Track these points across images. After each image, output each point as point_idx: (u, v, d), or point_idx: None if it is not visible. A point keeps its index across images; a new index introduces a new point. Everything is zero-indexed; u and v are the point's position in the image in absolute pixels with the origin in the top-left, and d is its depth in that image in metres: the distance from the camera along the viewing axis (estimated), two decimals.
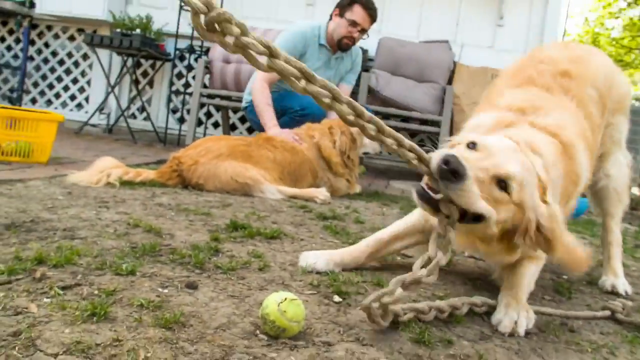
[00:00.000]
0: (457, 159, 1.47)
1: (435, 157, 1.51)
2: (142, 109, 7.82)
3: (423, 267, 1.56)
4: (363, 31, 4.84)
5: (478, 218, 1.59)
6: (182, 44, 7.29)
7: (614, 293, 2.38)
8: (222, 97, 6.37)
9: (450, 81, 6.44)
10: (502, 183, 1.59)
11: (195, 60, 7.43)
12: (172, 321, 1.38)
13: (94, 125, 7.58)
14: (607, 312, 1.98)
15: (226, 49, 1.25)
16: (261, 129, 4.83)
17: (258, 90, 4.62)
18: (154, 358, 1.20)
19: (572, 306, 2.10)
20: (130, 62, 7.31)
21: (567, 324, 1.85)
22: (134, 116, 7.93)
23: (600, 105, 2.28)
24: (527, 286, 1.91)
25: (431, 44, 6.71)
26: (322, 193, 3.86)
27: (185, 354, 1.24)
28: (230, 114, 7.42)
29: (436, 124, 6.10)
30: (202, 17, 1.19)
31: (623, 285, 2.44)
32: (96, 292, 1.54)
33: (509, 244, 1.73)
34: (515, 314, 1.72)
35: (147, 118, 7.55)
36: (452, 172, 1.45)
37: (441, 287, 2.06)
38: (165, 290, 1.63)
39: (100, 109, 7.55)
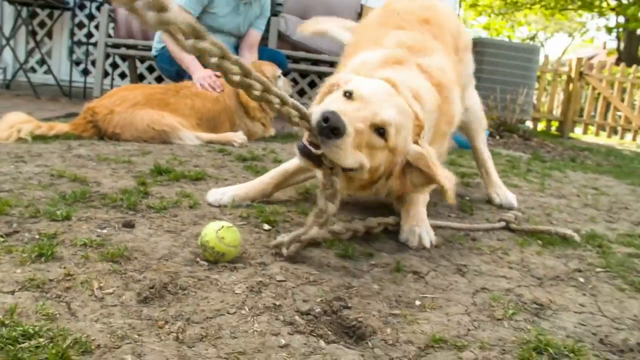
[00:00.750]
0: (337, 115, 1.50)
1: (315, 114, 1.53)
2: (42, 62, 7.42)
3: (317, 218, 1.63)
4: None
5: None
6: None
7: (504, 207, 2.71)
8: (129, 47, 6.18)
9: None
10: (381, 130, 1.64)
11: (97, 8, 7.12)
12: (117, 255, 1.48)
13: None
14: (503, 223, 2.27)
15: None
16: (173, 77, 4.78)
17: None
18: (107, 287, 1.31)
19: (474, 220, 2.38)
20: (25, 12, 6.88)
21: (470, 234, 2.11)
22: (33, 70, 7.53)
23: (455, 48, 2.53)
24: (423, 200, 2.08)
25: None
26: (239, 137, 3.95)
27: (135, 281, 1.36)
28: (138, 63, 7.22)
29: None
30: None
31: (511, 197, 2.78)
32: (37, 236, 1.60)
33: (385, 185, 1.82)
34: (418, 230, 1.91)
35: (49, 71, 7.20)
36: (332, 129, 1.48)
37: (352, 216, 2.26)
38: (104, 231, 1.72)
39: None
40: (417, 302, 1.41)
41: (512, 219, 2.29)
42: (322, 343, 1.16)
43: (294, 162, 2.28)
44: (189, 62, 4.38)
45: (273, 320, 1.23)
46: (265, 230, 1.89)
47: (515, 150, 6.09)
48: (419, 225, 1.96)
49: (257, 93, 1.37)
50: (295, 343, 1.14)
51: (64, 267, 1.39)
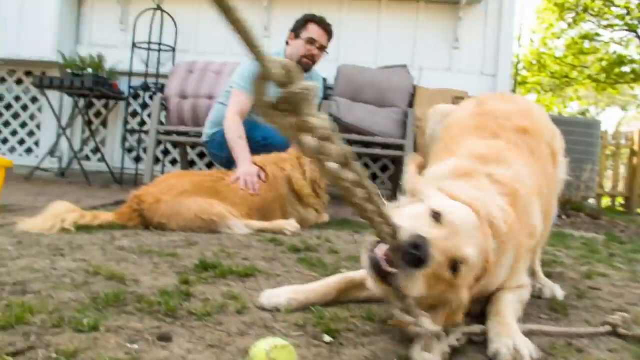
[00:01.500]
0: (428, 247, 1.42)
1: (404, 233, 1.43)
2: (96, 150, 7.53)
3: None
4: (322, 48, 4.72)
5: None
6: (136, 82, 7.10)
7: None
8: (180, 133, 6.19)
9: (410, 104, 6.43)
10: (455, 265, 1.54)
11: (150, 98, 7.24)
12: None
13: (45, 170, 7.23)
14: (608, 328, 1.88)
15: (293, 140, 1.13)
16: (224, 164, 4.64)
17: (231, 124, 4.38)
18: None
19: (571, 323, 1.99)
20: (82, 102, 7.06)
21: (572, 343, 1.73)
22: (87, 158, 7.64)
23: (552, 154, 2.41)
24: (514, 311, 1.80)
25: (390, 69, 6.71)
26: (291, 225, 3.70)
27: None
28: (188, 150, 7.22)
29: (399, 147, 6.06)
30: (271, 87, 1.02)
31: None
32: (54, 355, 1.34)
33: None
34: (511, 341, 1.57)
35: (102, 159, 7.27)
36: (417, 260, 1.40)
37: None
38: (135, 346, 1.44)
39: (51, 152, 7.24)
40: None
41: (620, 321, 1.90)
42: None
43: (362, 273, 2.00)
44: (240, 152, 4.22)
45: None
46: (327, 343, 1.56)
47: (586, 231, 5.61)
48: (510, 332, 1.62)
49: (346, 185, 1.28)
50: None
51: None
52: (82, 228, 3.27)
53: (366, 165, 7.23)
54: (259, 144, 4.41)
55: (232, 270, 2.33)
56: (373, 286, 1.59)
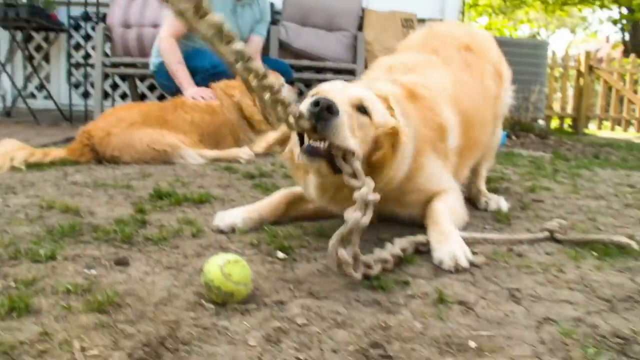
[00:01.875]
0: (323, 96, 1.56)
1: (304, 106, 1.56)
2: (41, 87, 7.22)
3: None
4: None
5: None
6: (76, 11, 6.76)
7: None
8: (127, 65, 6.00)
9: (360, 28, 6.35)
10: (362, 108, 1.71)
11: (92, 28, 6.91)
12: (105, 303, 1.24)
13: None
14: (546, 233, 2.00)
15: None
16: (173, 93, 4.55)
17: (166, 50, 4.36)
18: (92, 347, 1.07)
19: (513, 232, 2.11)
20: (19, 35, 6.71)
21: (512, 249, 1.85)
22: (33, 96, 7.33)
23: (497, 77, 2.57)
24: (451, 219, 1.86)
25: None
26: (245, 152, 3.72)
27: (126, 336, 1.11)
28: (138, 82, 7.01)
29: (350, 72, 6.03)
30: None
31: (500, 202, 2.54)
32: (13, 284, 1.36)
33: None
34: (449, 248, 1.66)
35: (48, 96, 7.00)
36: (327, 108, 1.51)
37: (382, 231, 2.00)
38: (93, 271, 1.47)
39: None
40: (472, 344, 1.14)
41: (557, 227, 2.02)
42: None
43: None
44: (182, 77, 4.24)
45: None
46: (280, 259, 1.63)
47: (534, 150, 5.81)
48: (449, 240, 1.71)
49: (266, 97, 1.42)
50: None
51: (41, 324, 1.14)
52: (33, 166, 3.21)
53: None
54: (207, 72, 4.35)
55: (187, 197, 2.36)
56: (315, 171, 1.69)
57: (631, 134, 10.63)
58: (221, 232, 1.89)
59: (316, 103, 1.50)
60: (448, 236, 1.73)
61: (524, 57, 7.61)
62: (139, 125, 3.57)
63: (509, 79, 2.73)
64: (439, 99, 2.12)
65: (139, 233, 1.82)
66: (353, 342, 1.13)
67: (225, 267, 1.27)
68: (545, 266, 1.66)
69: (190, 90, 4.15)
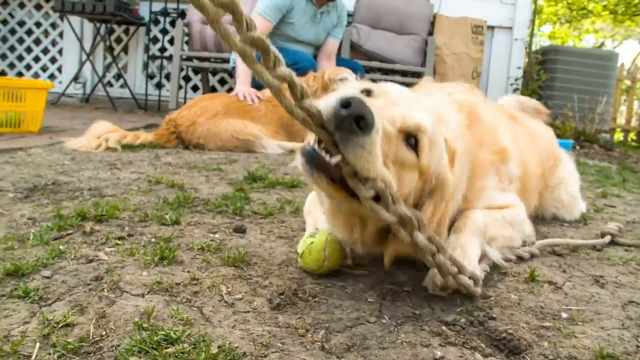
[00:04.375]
0: (361, 100, 1.08)
1: (328, 103, 1.10)
2: (119, 77, 7.64)
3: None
4: None
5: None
6: (156, 7, 7.13)
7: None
8: (202, 59, 6.28)
9: (430, 32, 6.47)
10: (411, 139, 1.25)
11: (171, 24, 7.28)
12: (238, 260, 1.42)
13: (69, 96, 7.38)
14: (608, 238, 2.01)
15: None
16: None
17: None
18: (235, 292, 1.25)
19: (590, 230, 2.21)
20: (103, 28, 7.12)
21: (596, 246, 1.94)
22: (110, 84, 7.75)
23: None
24: (475, 229, 1.50)
25: None
26: None
27: (262, 287, 1.29)
28: (210, 76, 7.32)
29: (418, 75, 6.14)
30: None
31: None
32: (153, 240, 1.57)
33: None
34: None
35: (125, 85, 7.40)
36: (357, 118, 1.06)
37: None
38: (217, 235, 1.67)
39: (75, 78, 7.35)
40: (564, 315, 1.28)
41: (616, 231, 2.05)
42: (478, 356, 1.05)
43: None
44: (240, 75, 4.42)
45: (418, 330, 1.13)
46: None
47: (599, 161, 5.78)
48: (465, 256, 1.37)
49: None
50: (450, 355, 1.04)
51: (188, 271, 1.34)
52: (125, 147, 3.48)
53: None
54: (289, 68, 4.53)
55: (279, 181, 2.55)
56: (316, 187, 1.27)
57: None
58: None
59: (346, 104, 1.06)
60: (464, 249, 1.41)
61: (592, 68, 7.56)
62: (221, 115, 3.80)
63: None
64: (500, 125, 1.87)
65: (246, 208, 2.01)
66: (459, 305, 1.27)
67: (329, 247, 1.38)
68: (625, 260, 1.77)
69: (239, 87, 4.30)
